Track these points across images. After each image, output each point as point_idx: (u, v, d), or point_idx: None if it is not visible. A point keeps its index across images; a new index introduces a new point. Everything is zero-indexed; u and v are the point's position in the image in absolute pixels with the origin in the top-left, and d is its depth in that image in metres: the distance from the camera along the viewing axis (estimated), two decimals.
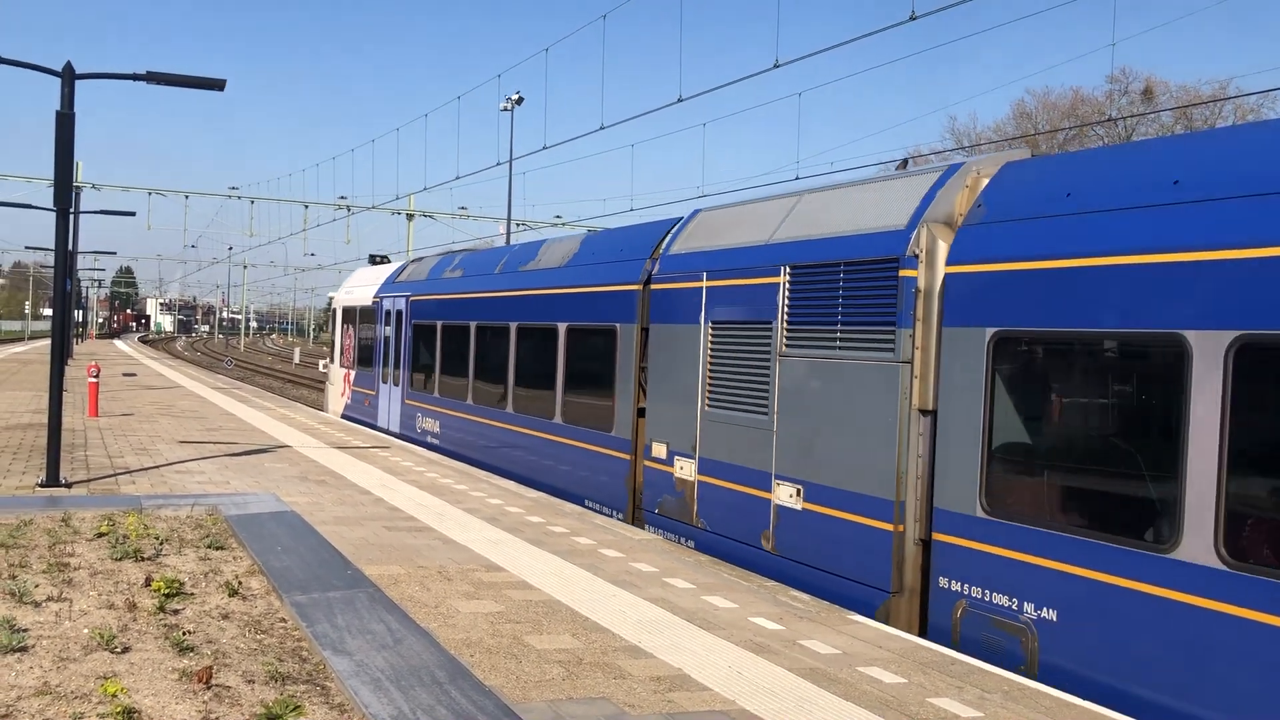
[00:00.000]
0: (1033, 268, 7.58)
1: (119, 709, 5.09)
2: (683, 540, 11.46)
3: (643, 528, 12.23)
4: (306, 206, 59.53)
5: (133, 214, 37.82)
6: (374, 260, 26.83)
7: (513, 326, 16.05)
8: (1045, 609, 7.30)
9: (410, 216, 59.78)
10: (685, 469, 11.48)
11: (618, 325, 13.10)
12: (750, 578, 9.29)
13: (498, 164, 38.82)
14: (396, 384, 21.47)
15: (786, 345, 9.93)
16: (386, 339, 22.23)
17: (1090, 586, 6.97)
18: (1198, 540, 6.30)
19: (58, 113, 12.36)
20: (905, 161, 11.89)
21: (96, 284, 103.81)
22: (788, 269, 9.98)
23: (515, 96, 43.85)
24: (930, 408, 8.46)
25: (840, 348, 9.27)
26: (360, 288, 24.90)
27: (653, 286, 12.37)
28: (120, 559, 8.73)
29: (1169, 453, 6.59)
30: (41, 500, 11.30)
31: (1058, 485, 7.62)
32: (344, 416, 24.98)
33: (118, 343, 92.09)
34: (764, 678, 6.49)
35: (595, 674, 6.42)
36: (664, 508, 11.93)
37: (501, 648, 6.85)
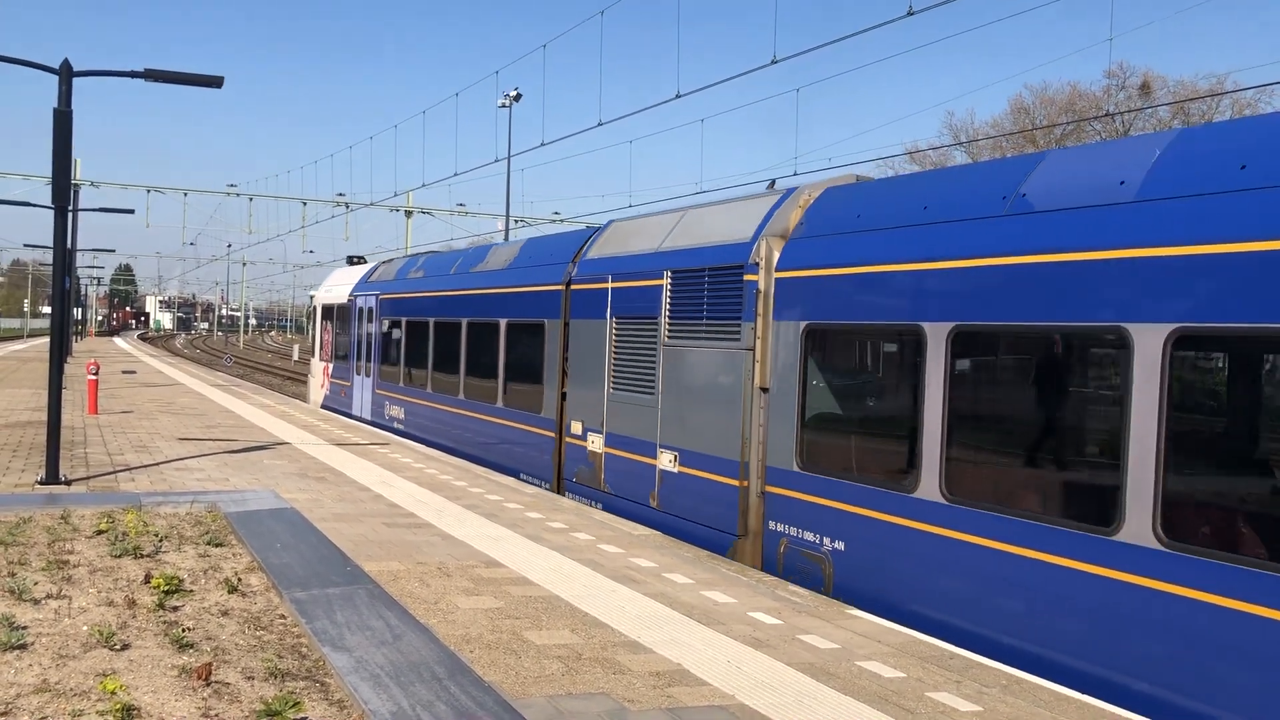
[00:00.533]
0: (829, 274, 9.66)
1: (118, 706, 5.09)
2: (592, 503, 13.37)
3: (563, 495, 14.08)
4: (305, 204, 59.51)
5: (131, 211, 37.80)
6: (351, 261, 28.76)
7: (464, 322, 18.13)
8: (837, 541, 9.34)
9: (409, 213, 59.76)
10: (595, 443, 13.54)
11: (545, 321, 15.02)
12: (748, 573, 9.30)
13: (496, 160, 38.83)
14: (368, 375, 23.38)
15: (668, 336, 11.95)
16: (359, 334, 24.20)
17: (866, 522, 8.98)
18: (930, 482, 8.28)
19: (55, 110, 12.34)
20: (772, 182, 13.89)
21: (96, 281, 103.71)
22: (669, 273, 12.01)
23: (513, 93, 43.80)
24: (767, 386, 10.37)
25: (704, 338, 11.28)
26: (338, 287, 26.65)
27: (573, 287, 14.31)
28: (119, 556, 8.73)
29: (913, 416, 8.58)
30: (41, 498, 11.31)
31: (844, 444, 9.69)
32: (323, 406, 26.70)
33: (117, 340, 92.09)
34: (763, 672, 6.50)
35: (594, 669, 6.43)
36: (580, 476, 13.94)
37: (501, 643, 6.85)
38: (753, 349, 10.44)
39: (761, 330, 10.39)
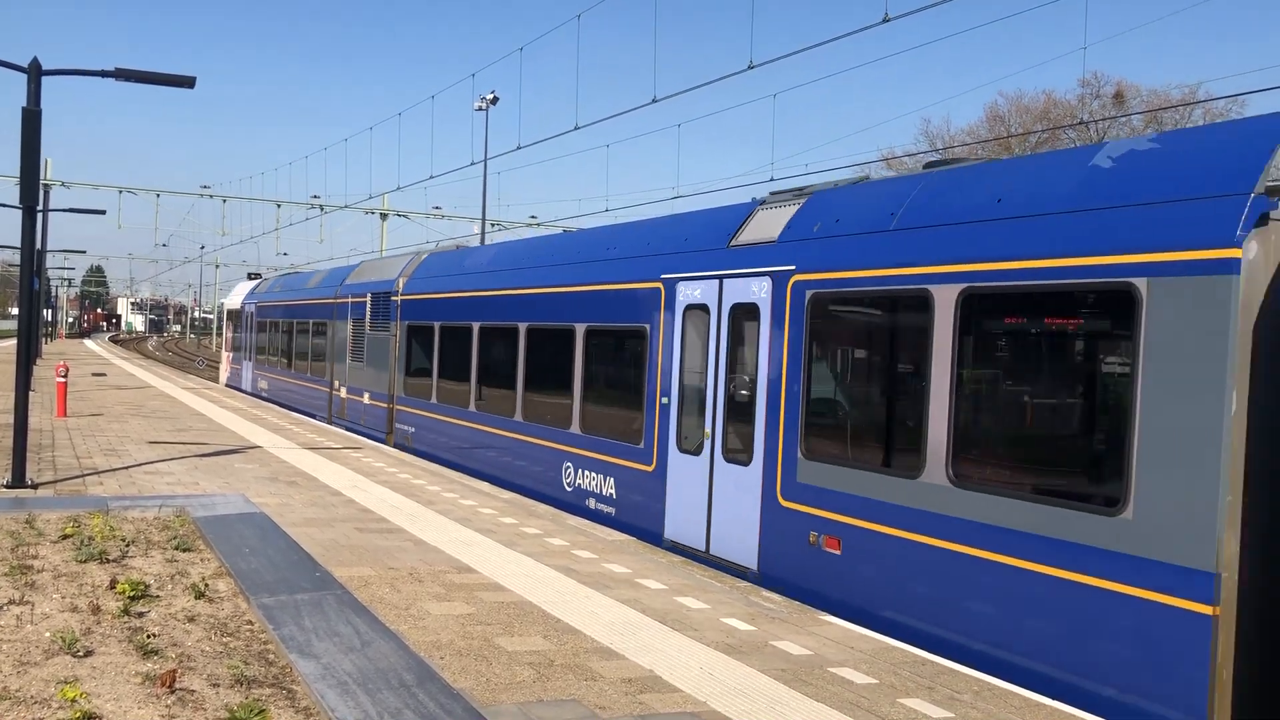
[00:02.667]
0: (415, 297, 19.30)
1: (79, 714, 5.00)
2: (341, 428, 22.41)
3: (331, 423, 23.99)
4: (279, 205, 59.04)
5: (103, 212, 37.48)
6: (250, 277, 40.55)
7: (294, 323, 28.83)
8: (414, 428, 18.94)
9: (384, 216, 59.47)
10: (343, 392, 23.84)
11: (326, 321, 25.42)
12: (722, 579, 9.27)
13: (472, 163, 38.60)
14: (250, 360, 34.60)
15: (369, 329, 21.78)
16: (246, 331, 35.37)
17: (423, 419, 18.38)
18: (435, 396, 17.90)
19: (24, 109, 12.20)
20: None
21: (66, 283, 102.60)
22: (369, 294, 21.94)
23: (490, 96, 43.68)
24: (399, 355, 19.97)
25: (380, 330, 21.09)
26: (237, 297, 37.86)
27: (337, 300, 24.53)
28: (85, 561, 8.61)
29: (428, 364, 18.38)
30: (6, 501, 11.13)
31: (416, 382, 19.01)
32: (226, 384, 37.80)
33: (88, 342, 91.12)
34: (735, 679, 6.47)
35: (566, 676, 6.38)
36: (336, 413, 24.25)
37: (472, 650, 6.79)
38: (396, 335, 20.07)
39: (399, 326, 19.94)
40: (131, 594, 7.51)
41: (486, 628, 7.32)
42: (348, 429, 22.36)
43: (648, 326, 11.68)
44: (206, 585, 8.01)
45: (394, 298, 20.28)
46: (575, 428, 13.24)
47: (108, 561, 8.67)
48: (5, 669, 6.03)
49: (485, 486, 14.18)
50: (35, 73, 12.24)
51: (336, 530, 10.45)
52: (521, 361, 14.82)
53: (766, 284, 9.75)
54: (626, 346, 12.48)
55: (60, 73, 12.83)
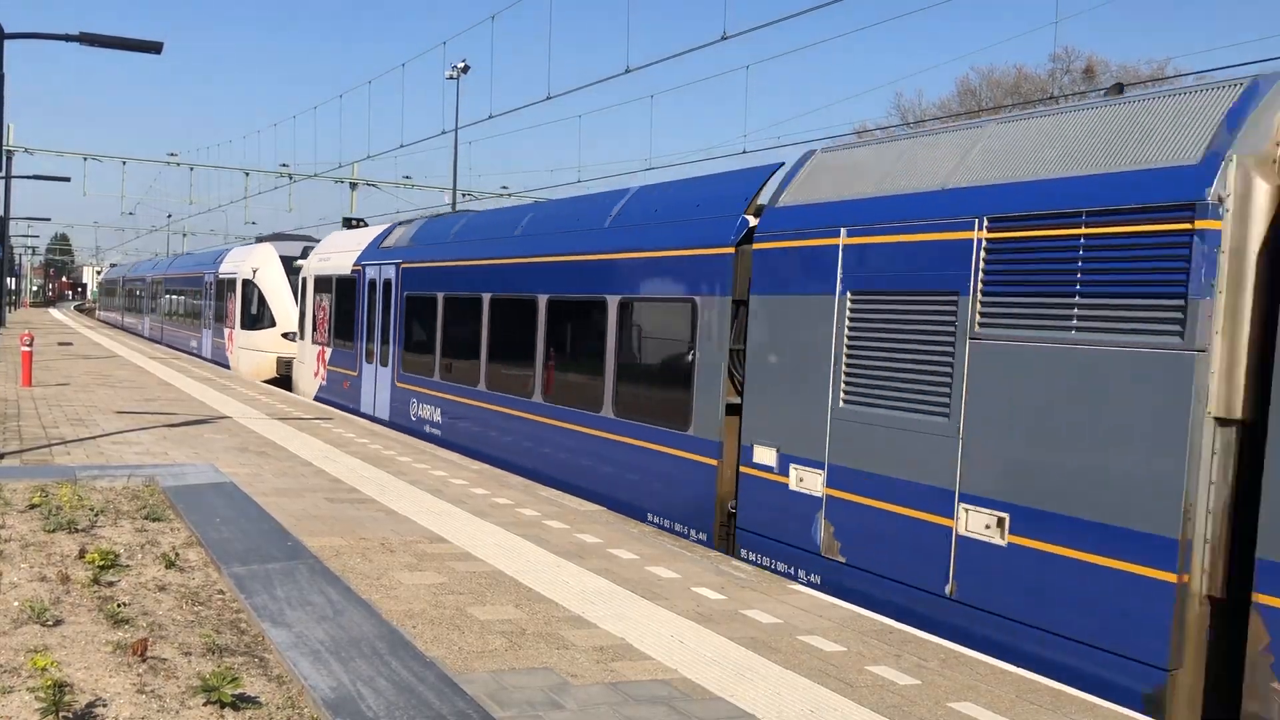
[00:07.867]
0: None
1: (50, 683, 4.99)
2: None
3: (201, 358, 34.00)
4: (247, 174, 58.38)
5: (68, 179, 37.00)
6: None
7: (160, 289, 43.38)
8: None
9: (354, 185, 58.97)
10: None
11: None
12: (693, 549, 9.34)
13: (443, 133, 38.34)
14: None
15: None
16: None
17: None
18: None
19: None
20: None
21: (30, 251, 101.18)
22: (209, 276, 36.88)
23: (461, 64, 43.31)
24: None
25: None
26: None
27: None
28: (53, 531, 8.56)
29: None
30: None
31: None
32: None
33: (53, 311, 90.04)
34: (706, 647, 6.53)
35: (538, 644, 6.43)
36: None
37: (444, 619, 6.82)
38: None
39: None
40: (101, 563, 7.47)
41: (459, 597, 7.34)
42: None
43: None
44: (177, 555, 7.99)
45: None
46: None
47: (76, 531, 8.62)
48: None
49: (456, 457, 14.17)
50: None
51: (307, 500, 10.43)
52: None
53: None
54: None
55: (24, 36, 12.62)
